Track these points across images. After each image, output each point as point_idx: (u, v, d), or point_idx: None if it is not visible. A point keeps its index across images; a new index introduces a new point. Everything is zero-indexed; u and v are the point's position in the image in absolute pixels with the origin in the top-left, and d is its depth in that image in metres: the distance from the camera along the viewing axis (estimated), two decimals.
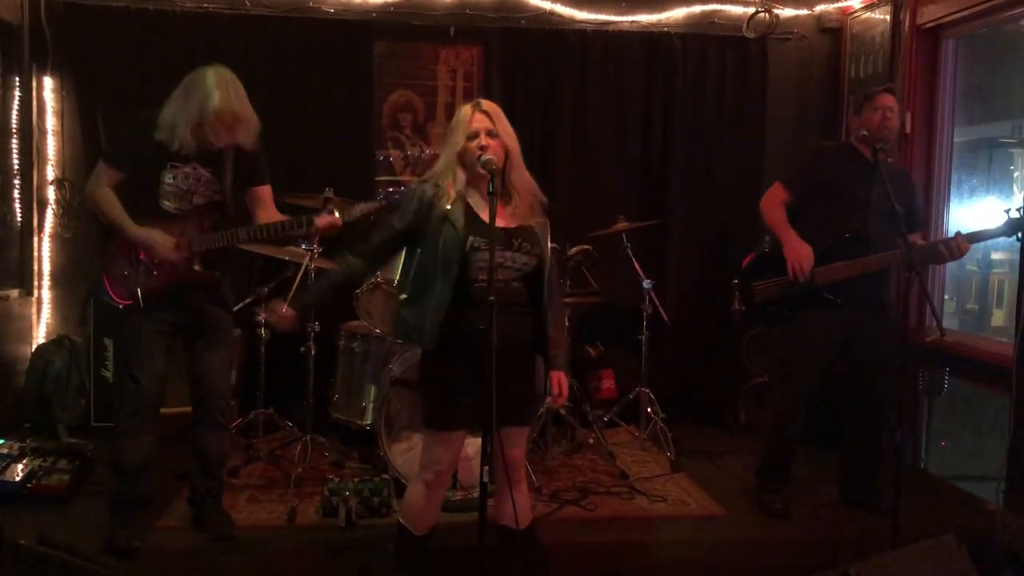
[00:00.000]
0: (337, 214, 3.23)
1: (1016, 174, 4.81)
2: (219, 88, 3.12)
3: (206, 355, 3.39)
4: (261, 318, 4.29)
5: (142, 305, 3.24)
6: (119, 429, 3.35)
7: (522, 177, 2.77)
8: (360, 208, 3.24)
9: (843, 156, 3.86)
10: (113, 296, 3.29)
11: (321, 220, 3.22)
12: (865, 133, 3.66)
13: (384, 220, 2.80)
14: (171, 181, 3.23)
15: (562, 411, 4.54)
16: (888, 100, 3.76)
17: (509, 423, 2.70)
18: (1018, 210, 3.47)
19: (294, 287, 4.07)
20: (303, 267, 4.08)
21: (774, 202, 3.89)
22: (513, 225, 2.71)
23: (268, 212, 3.43)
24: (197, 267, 3.27)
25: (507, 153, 2.71)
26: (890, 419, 3.81)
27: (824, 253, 3.69)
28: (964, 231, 3.68)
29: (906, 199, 3.69)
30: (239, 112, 3.16)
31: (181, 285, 3.28)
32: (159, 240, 3.20)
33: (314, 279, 2.78)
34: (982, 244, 4.64)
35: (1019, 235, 3.54)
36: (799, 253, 3.69)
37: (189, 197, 3.26)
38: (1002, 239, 3.68)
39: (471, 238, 2.63)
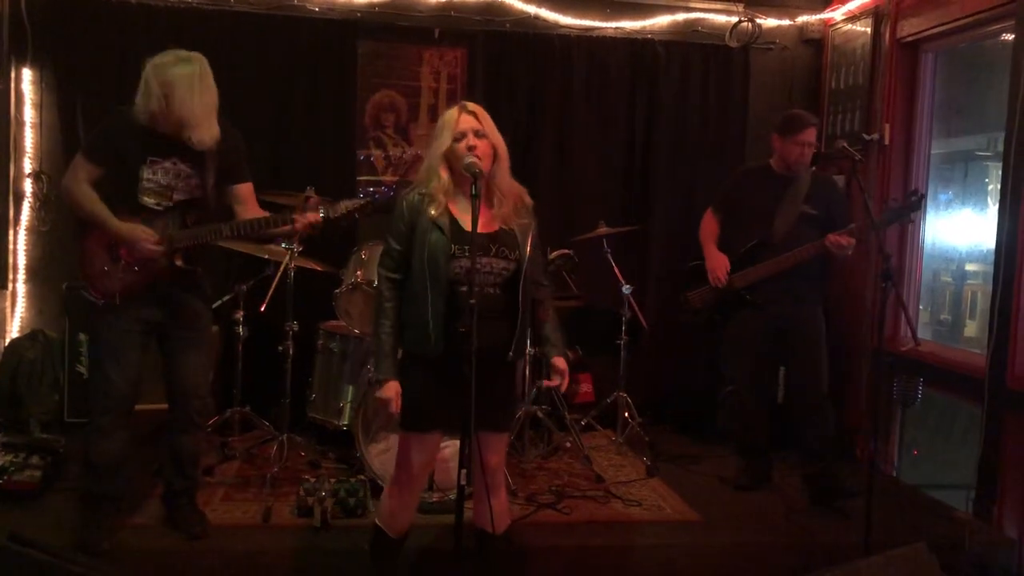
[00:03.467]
0: (321, 212, 3.22)
1: (991, 187, 4.85)
2: (181, 65, 3.10)
3: (183, 355, 3.36)
4: (239, 316, 4.28)
5: (118, 302, 3.21)
6: (92, 427, 3.32)
7: (506, 179, 2.76)
8: (344, 205, 3.22)
9: (760, 175, 4.24)
10: (92, 293, 3.27)
11: (301, 217, 3.20)
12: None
13: (386, 246, 2.78)
14: (151, 176, 3.21)
15: (539, 414, 4.55)
16: (811, 136, 4.07)
17: (487, 428, 2.69)
18: (894, 199, 4.07)
19: (273, 286, 4.06)
20: (282, 265, 4.07)
21: (706, 221, 4.42)
22: (493, 229, 2.71)
23: (249, 210, 3.40)
24: (179, 262, 3.25)
25: (495, 154, 2.71)
26: (819, 411, 4.08)
27: (738, 260, 4.16)
28: (937, 245, 3.80)
29: (825, 204, 4.07)
30: (164, 96, 3.09)
31: (161, 282, 3.26)
32: (142, 235, 3.17)
33: (380, 346, 2.68)
34: (957, 256, 4.75)
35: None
36: (715, 263, 4.23)
37: (169, 193, 3.24)
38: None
39: (452, 245, 2.64)
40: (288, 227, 3.26)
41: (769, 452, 4.32)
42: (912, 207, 3.88)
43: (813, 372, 4.10)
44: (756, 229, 4.12)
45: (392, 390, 2.73)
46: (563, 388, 3.00)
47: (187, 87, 3.10)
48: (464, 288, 2.60)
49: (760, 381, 4.29)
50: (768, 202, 4.13)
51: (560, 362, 2.89)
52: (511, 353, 2.73)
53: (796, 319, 4.09)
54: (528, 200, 2.82)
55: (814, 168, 4.24)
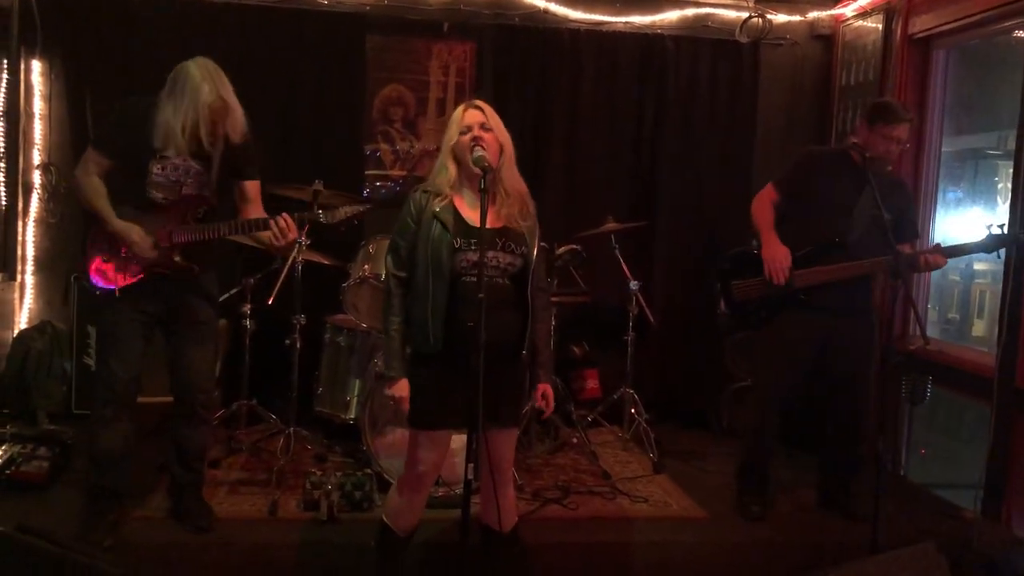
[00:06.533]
0: (321, 216, 3.20)
1: (1000, 185, 4.84)
2: (206, 80, 3.10)
3: (187, 349, 3.37)
4: (247, 309, 4.29)
5: (118, 294, 3.22)
6: (94, 418, 3.34)
7: (513, 177, 2.76)
8: (343, 211, 3.24)
9: (835, 162, 3.84)
10: (93, 283, 3.28)
11: (276, 225, 3.16)
12: (855, 142, 3.67)
13: (393, 242, 2.78)
14: (160, 171, 3.21)
15: None
16: (902, 133, 3.66)
17: (495, 423, 2.69)
18: (999, 227, 3.49)
19: (280, 280, 4.06)
20: (290, 259, 4.07)
21: (764, 202, 3.90)
22: (499, 225, 2.70)
23: (253, 208, 3.40)
24: (178, 258, 3.24)
25: (500, 149, 2.71)
26: (864, 425, 3.84)
27: (803, 257, 3.70)
28: (947, 243, 3.70)
29: (898, 209, 3.68)
30: (229, 100, 3.14)
31: (161, 277, 3.26)
32: (138, 238, 3.18)
33: (389, 344, 2.75)
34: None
35: (999, 253, 3.54)
36: (776, 255, 3.70)
37: (177, 188, 3.24)
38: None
39: (456, 239, 2.64)
40: (266, 233, 3.25)
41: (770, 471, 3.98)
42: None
43: (860, 395, 3.79)
44: (830, 225, 3.69)
45: (404, 388, 2.73)
46: (547, 413, 2.93)
47: (224, 94, 3.12)
48: (471, 279, 2.60)
49: (791, 394, 3.86)
50: (846, 196, 3.70)
51: (548, 390, 2.85)
52: (524, 351, 2.73)
53: (850, 333, 3.72)
54: (531, 203, 2.80)
55: (889, 169, 3.81)
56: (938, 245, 3.67)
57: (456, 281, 2.65)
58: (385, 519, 2.91)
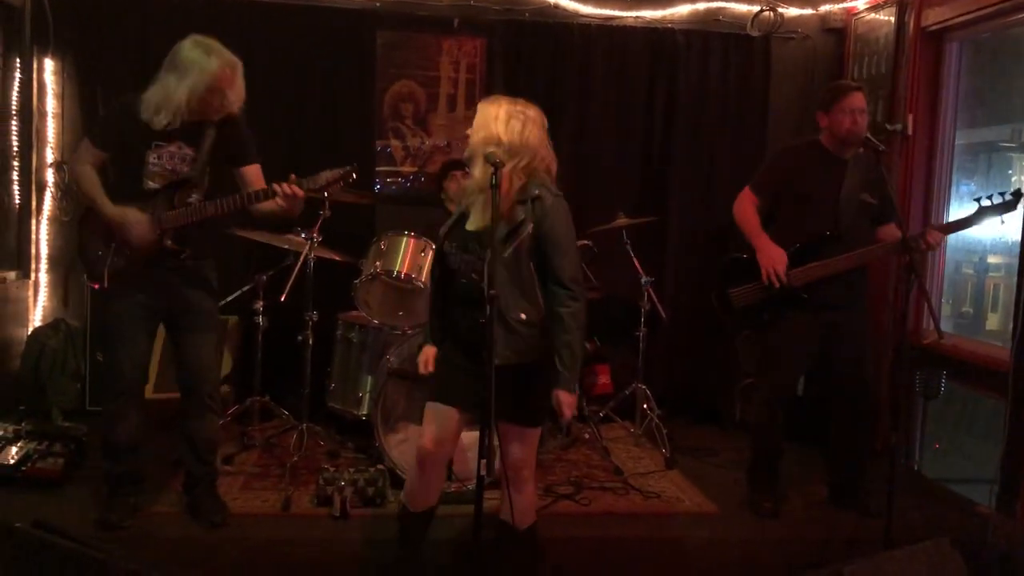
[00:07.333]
0: (305, 183, 3.20)
1: (1014, 178, 4.80)
2: (212, 52, 3.14)
3: (190, 340, 3.40)
4: (259, 306, 4.31)
5: (107, 286, 3.24)
6: (106, 412, 3.41)
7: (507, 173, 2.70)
8: (324, 176, 3.21)
9: (810, 154, 3.82)
10: (90, 279, 3.32)
11: (280, 189, 3.15)
12: (868, 136, 3.63)
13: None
14: (156, 161, 3.24)
15: None
16: (859, 101, 3.68)
17: (503, 418, 2.69)
18: (988, 197, 3.48)
19: (292, 276, 4.06)
20: (302, 256, 4.08)
21: (746, 207, 3.88)
22: (481, 227, 2.71)
23: None
24: (168, 242, 3.25)
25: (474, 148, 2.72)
26: (868, 415, 3.85)
27: (798, 254, 3.69)
28: (960, 240, 3.68)
29: (879, 191, 3.67)
30: (236, 65, 3.18)
31: (156, 266, 3.27)
32: (133, 218, 3.19)
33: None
34: (979, 248, 4.69)
35: (1003, 219, 3.54)
36: (772, 258, 3.69)
37: (173, 176, 3.26)
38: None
39: (445, 243, 2.79)
40: (272, 202, 3.21)
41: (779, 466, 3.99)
42: (1008, 206, 3.47)
43: (863, 383, 3.81)
44: (818, 219, 3.68)
45: (425, 354, 2.91)
46: (565, 419, 2.86)
47: (227, 62, 3.16)
48: (463, 280, 2.74)
49: (794, 393, 3.84)
50: (828, 187, 3.69)
51: (561, 396, 2.74)
52: (496, 356, 2.53)
53: (849, 324, 3.74)
54: (539, 190, 2.77)
55: (860, 151, 3.79)
56: (929, 224, 3.66)
57: (455, 282, 2.77)
58: (402, 498, 2.99)
